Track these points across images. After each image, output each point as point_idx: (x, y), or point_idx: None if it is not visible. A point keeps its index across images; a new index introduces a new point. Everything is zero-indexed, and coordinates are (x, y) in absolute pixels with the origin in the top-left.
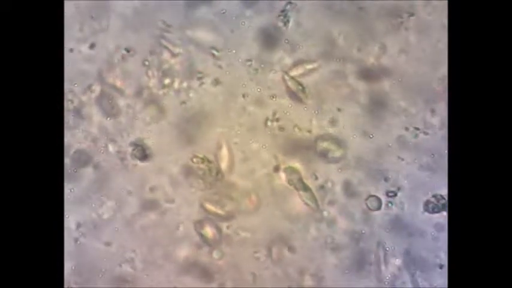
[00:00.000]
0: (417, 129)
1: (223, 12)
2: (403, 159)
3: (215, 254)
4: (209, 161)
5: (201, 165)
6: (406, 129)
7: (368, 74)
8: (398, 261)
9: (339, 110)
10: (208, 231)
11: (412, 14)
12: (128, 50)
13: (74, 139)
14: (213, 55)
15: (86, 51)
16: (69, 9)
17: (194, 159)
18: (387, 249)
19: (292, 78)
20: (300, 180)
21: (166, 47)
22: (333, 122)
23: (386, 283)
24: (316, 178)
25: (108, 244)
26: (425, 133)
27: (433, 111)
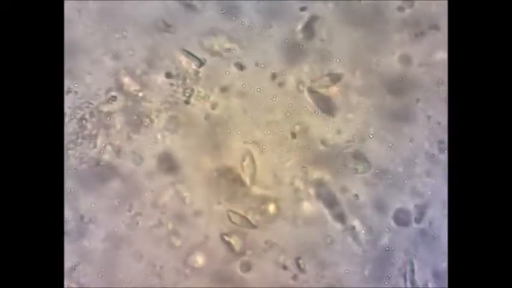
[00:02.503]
0: (442, 143)
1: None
2: (429, 173)
3: (242, 266)
4: (235, 173)
5: (227, 177)
6: (432, 143)
7: (392, 86)
8: (425, 277)
9: (363, 122)
10: (235, 242)
11: (435, 27)
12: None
13: (96, 150)
14: (237, 66)
15: (108, 62)
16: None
17: (220, 171)
18: (414, 264)
19: (317, 90)
20: (327, 192)
21: (188, 57)
22: (359, 134)
23: None
24: (343, 191)
25: (135, 256)
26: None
27: None
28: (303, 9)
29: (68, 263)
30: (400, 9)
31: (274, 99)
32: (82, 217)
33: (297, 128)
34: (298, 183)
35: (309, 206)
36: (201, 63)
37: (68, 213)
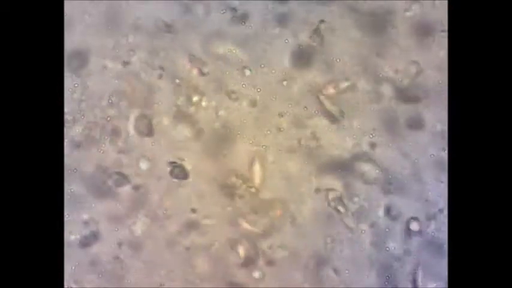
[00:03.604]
0: None
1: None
2: (441, 181)
3: (254, 273)
4: (246, 180)
5: (236, 183)
6: (444, 149)
7: (403, 93)
8: (437, 284)
9: (374, 129)
10: (246, 249)
11: (443, 31)
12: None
13: (109, 159)
14: (245, 73)
15: (118, 69)
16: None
17: (231, 178)
18: (427, 271)
19: (327, 96)
20: (336, 198)
21: (194, 62)
22: (369, 142)
23: None
24: (352, 197)
25: (146, 263)
26: None
27: None
28: (310, 12)
29: (76, 268)
30: (409, 13)
31: (282, 104)
32: (90, 223)
33: (306, 133)
34: (307, 189)
35: (318, 212)
36: (208, 67)
37: (75, 219)
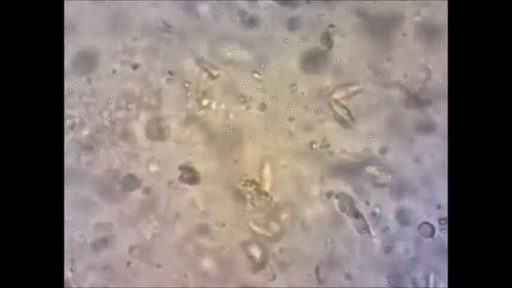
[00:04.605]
0: None
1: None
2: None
3: (264, 276)
4: (257, 184)
5: (249, 188)
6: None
7: (412, 96)
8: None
9: (383, 133)
10: (258, 254)
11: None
12: (171, 73)
13: (119, 162)
14: (254, 75)
15: (127, 72)
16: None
17: (242, 182)
18: (438, 277)
19: (338, 101)
20: (346, 203)
21: (204, 66)
22: (379, 145)
23: None
24: (363, 202)
25: (159, 267)
26: None
27: None
28: (320, 16)
29: (86, 271)
30: (418, 17)
31: (292, 108)
32: (100, 226)
33: (316, 138)
34: (318, 193)
35: (329, 216)
36: (217, 71)
37: (85, 222)
